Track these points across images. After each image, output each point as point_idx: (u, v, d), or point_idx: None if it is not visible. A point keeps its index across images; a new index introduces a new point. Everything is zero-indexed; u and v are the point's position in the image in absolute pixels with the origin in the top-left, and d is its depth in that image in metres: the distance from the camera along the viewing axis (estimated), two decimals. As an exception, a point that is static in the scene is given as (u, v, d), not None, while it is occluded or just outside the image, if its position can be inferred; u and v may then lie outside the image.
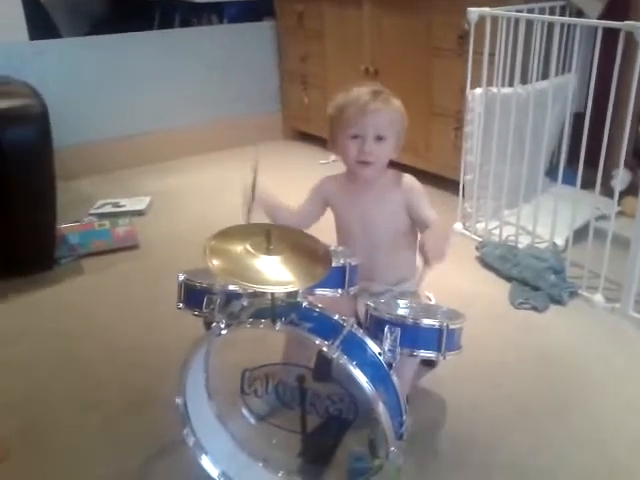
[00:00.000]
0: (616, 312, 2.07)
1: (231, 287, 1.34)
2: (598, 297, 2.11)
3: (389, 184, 1.60)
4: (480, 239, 2.54)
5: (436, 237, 1.41)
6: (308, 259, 1.18)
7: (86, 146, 3.41)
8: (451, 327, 1.28)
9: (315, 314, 1.28)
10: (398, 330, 1.26)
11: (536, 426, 1.62)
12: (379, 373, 1.24)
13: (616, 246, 2.07)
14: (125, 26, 3.55)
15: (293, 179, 3.06)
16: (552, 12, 2.61)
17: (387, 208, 1.59)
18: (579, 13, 2.69)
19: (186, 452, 1.39)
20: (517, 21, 2.30)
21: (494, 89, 2.42)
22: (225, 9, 3.96)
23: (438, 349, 1.27)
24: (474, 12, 2.37)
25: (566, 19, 2.41)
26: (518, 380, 1.80)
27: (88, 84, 3.41)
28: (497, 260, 2.34)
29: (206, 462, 1.38)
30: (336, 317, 1.28)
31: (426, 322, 1.27)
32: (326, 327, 1.24)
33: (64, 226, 2.58)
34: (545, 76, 2.49)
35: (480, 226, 2.61)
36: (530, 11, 2.46)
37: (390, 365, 1.25)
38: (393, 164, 1.63)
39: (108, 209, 2.95)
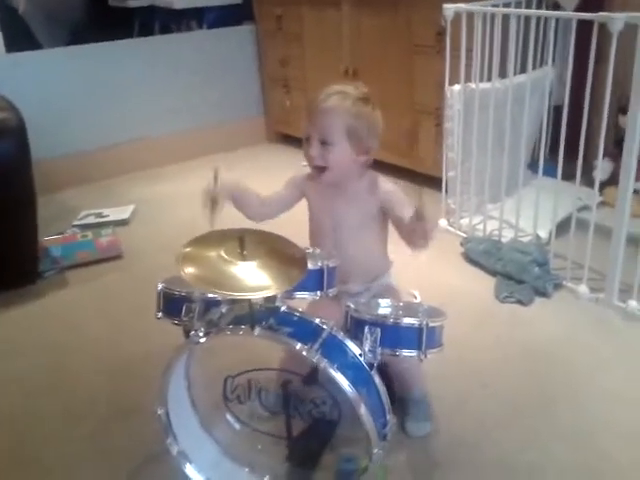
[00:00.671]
0: (600, 302, 2.08)
1: (210, 294, 1.33)
2: (583, 288, 2.11)
3: (363, 190, 1.55)
4: (464, 235, 2.55)
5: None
6: (284, 263, 1.18)
7: (68, 157, 3.39)
8: (431, 325, 1.27)
9: (295, 318, 1.28)
10: (378, 330, 1.25)
11: (523, 421, 1.62)
12: (360, 375, 1.24)
13: (599, 236, 2.07)
14: (105, 34, 3.53)
15: (277, 181, 3.07)
16: (528, 5, 2.61)
17: (361, 213, 1.55)
18: (555, 6, 2.70)
19: (172, 461, 1.39)
20: (493, 16, 2.30)
21: (472, 85, 2.42)
22: (204, 14, 3.96)
23: (419, 347, 1.27)
24: (450, 9, 2.37)
25: (541, 12, 2.42)
26: (504, 375, 1.79)
27: (68, 94, 3.39)
28: (481, 255, 2.34)
29: (190, 470, 1.37)
30: (316, 321, 1.28)
31: (406, 321, 1.27)
32: (306, 331, 1.24)
33: (46, 239, 2.57)
34: (523, 70, 2.49)
35: (464, 222, 2.61)
36: (506, 5, 2.46)
37: (371, 366, 1.25)
38: (375, 163, 1.58)
39: (91, 220, 2.94)
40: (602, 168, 2.25)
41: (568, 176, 2.17)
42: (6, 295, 2.30)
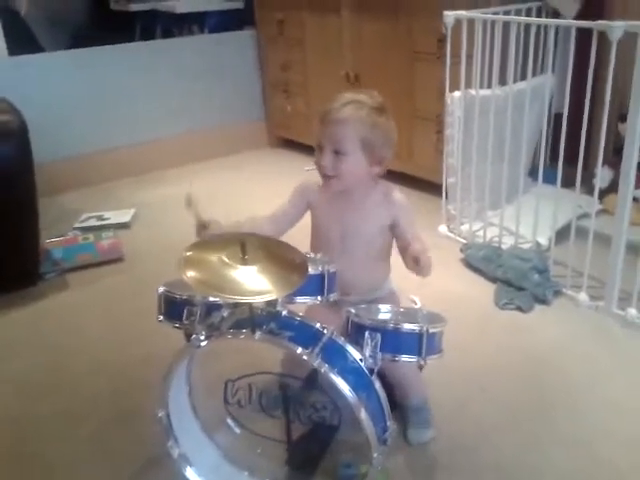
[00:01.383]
0: (600, 310, 2.08)
1: (211, 298, 1.34)
2: (582, 295, 2.12)
3: (378, 200, 1.54)
4: (464, 241, 2.55)
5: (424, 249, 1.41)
6: (284, 267, 1.18)
7: (70, 160, 3.40)
8: (431, 331, 1.28)
9: (295, 322, 1.29)
10: (379, 336, 1.26)
11: (522, 426, 1.63)
12: (361, 379, 1.24)
13: (599, 244, 2.08)
14: (106, 38, 3.55)
15: (278, 186, 3.07)
16: (528, 13, 2.63)
17: (373, 224, 1.54)
18: (555, 14, 2.71)
19: (172, 464, 1.39)
20: (494, 23, 2.32)
21: (473, 91, 2.43)
22: (206, 19, 3.97)
23: (419, 353, 1.28)
24: (450, 16, 2.38)
25: (542, 20, 2.44)
26: (504, 381, 1.80)
27: (70, 97, 3.41)
28: (481, 261, 2.35)
29: (191, 474, 1.37)
30: (317, 325, 1.28)
31: (406, 327, 1.28)
32: (306, 335, 1.24)
33: (48, 241, 2.58)
34: (523, 77, 2.50)
35: (464, 228, 2.62)
36: (506, 13, 2.48)
37: (371, 371, 1.26)
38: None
39: (92, 222, 2.94)
40: (601, 176, 2.26)
41: (568, 183, 2.18)
42: (7, 297, 2.31)
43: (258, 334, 1.19)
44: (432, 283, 2.21)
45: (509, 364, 1.87)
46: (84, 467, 1.56)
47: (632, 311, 2.00)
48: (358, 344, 1.27)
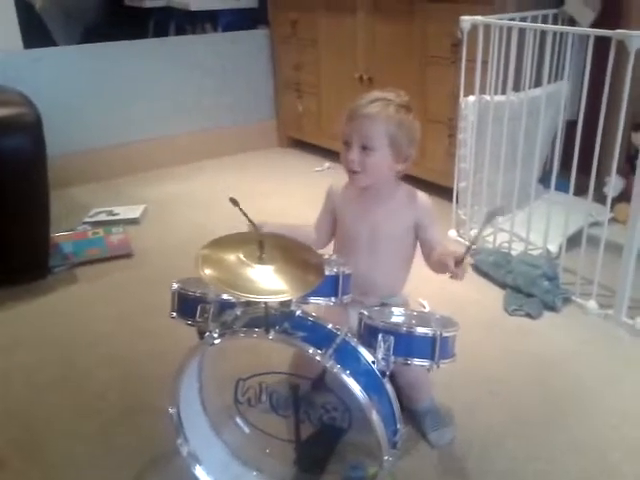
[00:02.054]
0: (609, 318, 2.08)
1: (225, 296, 1.34)
2: (591, 303, 2.12)
3: (403, 199, 1.57)
4: (474, 246, 2.54)
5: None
6: (301, 268, 1.18)
7: (81, 154, 3.41)
8: (444, 335, 1.28)
9: (309, 323, 1.28)
10: (392, 338, 1.26)
11: (532, 432, 1.62)
12: (373, 382, 1.24)
13: (609, 252, 2.07)
14: (120, 34, 3.56)
15: (289, 186, 3.08)
16: (545, 20, 2.62)
17: (399, 224, 1.56)
18: (571, 21, 2.71)
19: (181, 461, 1.39)
20: (509, 29, 2.32)
21: (487, 97, 2.43)
22: (219, 17, 3.98)
23: (432, 357, 1.27)
24: (467, 21, 2.38)
25: (558, 27, 2.43)
26: (512, 387, 1.80)
27: (83, 92, 3.42)
28: (491, 267, 2.35)
29: (200, 472, 1.37)
30: (330, 326, 1.28)
31: (420, 330, 1.27)
32: (320, 336, 1.24)
33: (58, 235, 2.58)
34: (538, 84, 2.50)
35: (474, 233, 2.61)
36: (523, 19, 2.47)
37: (384, 373, 1.25)
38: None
39: (102, 217, 2.95)
40: (613, 185, 2.26)
41: (579, 191, 2.18)
42: (16, 289, 2.31)
43: (272, 333, 1.19)
44: (440, 287, 2.22)
45: (518, 370, 1.87)
46: (91, 462, 1.56)
47: (642, 320, 2.00)
48: (371, 346, 1.27)
